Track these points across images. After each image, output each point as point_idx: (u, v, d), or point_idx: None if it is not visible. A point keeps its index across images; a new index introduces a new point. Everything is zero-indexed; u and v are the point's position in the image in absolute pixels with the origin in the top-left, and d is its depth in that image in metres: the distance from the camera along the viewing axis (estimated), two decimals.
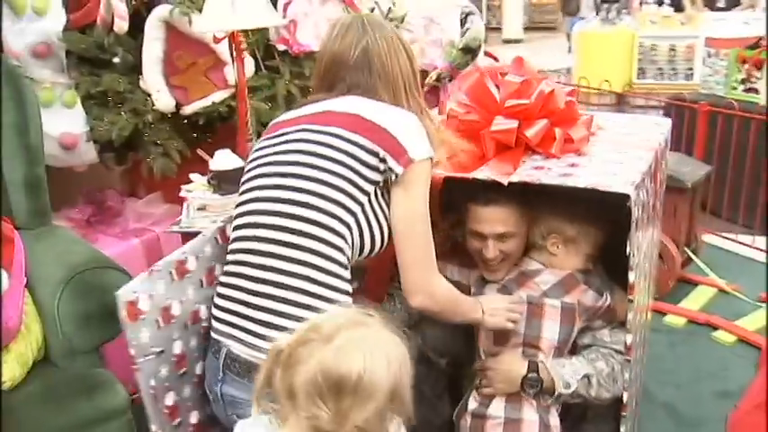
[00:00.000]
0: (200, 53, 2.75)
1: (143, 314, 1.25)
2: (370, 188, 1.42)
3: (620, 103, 6.60)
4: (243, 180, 1.51)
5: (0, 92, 2.27)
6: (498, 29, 13.03)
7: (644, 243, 1.77)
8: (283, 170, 1.43)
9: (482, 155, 1.81)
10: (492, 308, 1.76)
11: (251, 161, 1.53)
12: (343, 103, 1.50)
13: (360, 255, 1.46)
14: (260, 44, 2.86)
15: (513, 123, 1.78)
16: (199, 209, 2.19)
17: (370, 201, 1.42)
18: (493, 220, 1.80)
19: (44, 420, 1.90)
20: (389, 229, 1.47)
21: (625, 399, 1.71)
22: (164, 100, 2.74)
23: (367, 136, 1.41)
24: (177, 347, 1.35)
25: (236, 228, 1.44)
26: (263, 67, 2.92)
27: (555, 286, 1.84)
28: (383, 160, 1.41)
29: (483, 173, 1.70)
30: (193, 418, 1.42)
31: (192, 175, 2.30)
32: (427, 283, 1.49)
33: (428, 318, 2.22)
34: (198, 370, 1.42)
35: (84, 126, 2.77)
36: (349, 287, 1.41)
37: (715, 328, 3.10)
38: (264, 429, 1.10)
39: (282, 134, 1.50)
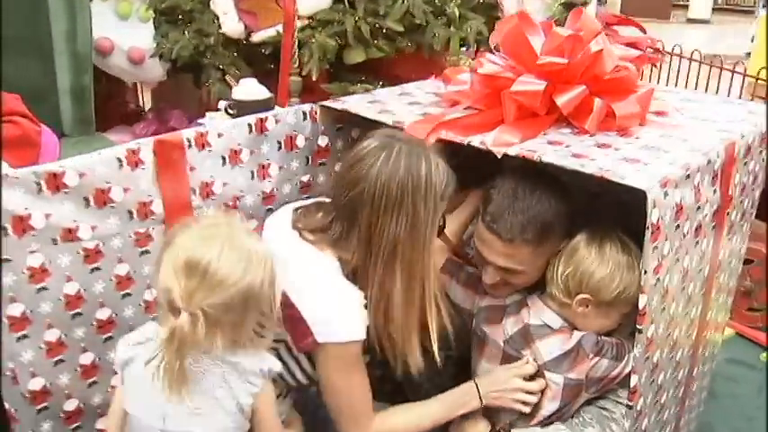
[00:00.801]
0: None
1: None
2: (277, 345, 1.36)
3: None
4: None
5: None
6: (685, 6, 11.88)
7: (687, 261, 1.38)
8: None
9: (501, 119, 1.49)
10: (494, 391, 1.51)
11: None
12: (292, 269, 1.32)
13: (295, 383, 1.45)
14: None
15: (540, 85, 1.44)
16: None
17: (279, 354, 1.37)
18: (495, 250, 1.46)
19: None
20: (289, 381, 1.45)
21: None
22: (230, 24, 2.63)
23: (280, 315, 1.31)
24: (34, 260, 1.26)
25: None
26: (345, 3, 2.69)
27: (558, 359, 1.48)
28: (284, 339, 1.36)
29: (479, 138, 1.38)
30: (50, 336, 1.32)
31: (221, 102, 2.15)
32: None
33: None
34: (70, 290, 1.32)
35: (152, 42, 2.72)
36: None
37: None
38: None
39: None
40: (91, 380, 1.40)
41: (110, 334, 1.41)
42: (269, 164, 1.59)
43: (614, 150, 1.35)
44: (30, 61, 2.31)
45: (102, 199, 1.32)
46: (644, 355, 1.29)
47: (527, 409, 1.50)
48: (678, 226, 1.28)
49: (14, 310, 1.26)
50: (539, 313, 1.53)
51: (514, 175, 1.43)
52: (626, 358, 1.49)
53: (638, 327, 1.24)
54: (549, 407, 1.52)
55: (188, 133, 1.42)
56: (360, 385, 1.38)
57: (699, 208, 1.36)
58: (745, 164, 1.55)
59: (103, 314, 1.39)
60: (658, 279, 1.25)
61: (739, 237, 1.71)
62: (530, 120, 1.46)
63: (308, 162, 1.68)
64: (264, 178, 1.59)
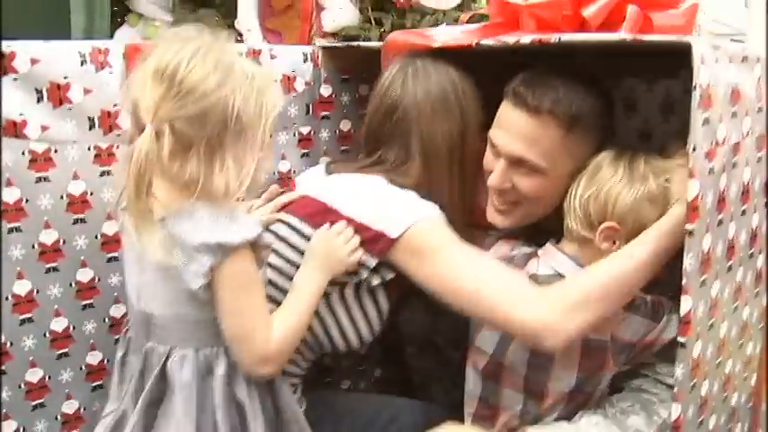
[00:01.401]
0: None
1: None
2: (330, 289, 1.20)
3: None
4: None
5: None
6: None
7: (747, 174, 1.11)
8: None
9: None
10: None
11: None
12: (338, 190, 1.26)
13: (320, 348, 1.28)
14: None
15: None
16: None
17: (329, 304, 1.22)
18: (516, 130, 1.21)
19: None
20: (364, 330, 1.26)
21: None
22: (253, 42, 2.56)
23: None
24: None
25: None
26: (372, 21, 2.63)
27: None
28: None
29: (488, 42, 1.20)
30: None
31: None
32: (536, 309, 1.09)
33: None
34: (8, 197, 1.13)
35: None
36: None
37: None
38: None
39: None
40: (24, 316, 1.17)
41: (54, 264, 1.19)
42: None
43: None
44: None
45: (58, 96, 1.16)
46: (698, 276, 1.00)
47: None
48: (735, 114, 1.04)
49: None
50: (549, 260, 1.24)
51: (545, 66, 1.22)
52: (664, 320, 1.20)
53: (687, 227, 0.97)
54: (564, 379, 1.21)
55: None
56: (487, 263, 1.17)
57: (760, 110, 1.12)
58: None
59: (49, 237, 1.18)
60: (712, 170, 1.00)
61: None
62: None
63: (308, 111, 1.52)
64: None
